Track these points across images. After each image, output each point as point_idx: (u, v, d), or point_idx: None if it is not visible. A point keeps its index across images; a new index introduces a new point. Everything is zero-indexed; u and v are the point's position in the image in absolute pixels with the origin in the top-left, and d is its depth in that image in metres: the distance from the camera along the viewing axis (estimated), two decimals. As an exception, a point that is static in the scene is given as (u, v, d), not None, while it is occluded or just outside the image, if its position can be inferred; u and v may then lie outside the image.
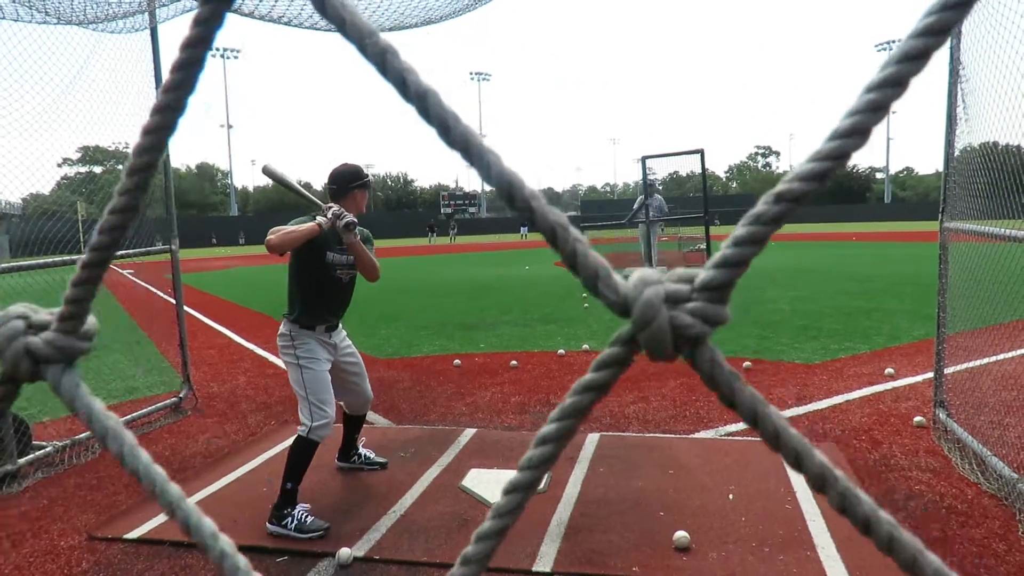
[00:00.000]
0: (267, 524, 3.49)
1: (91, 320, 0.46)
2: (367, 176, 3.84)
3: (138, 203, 0.42)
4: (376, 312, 11.29)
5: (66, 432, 5.11)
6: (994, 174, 3.81)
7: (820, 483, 0.36)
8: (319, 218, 3.58)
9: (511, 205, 0.37)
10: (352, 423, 4.26)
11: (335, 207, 3.58)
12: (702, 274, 0.37)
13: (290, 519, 3.47)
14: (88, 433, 4.99)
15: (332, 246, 3.71)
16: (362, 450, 4.38)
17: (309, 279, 3.71)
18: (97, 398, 0.45)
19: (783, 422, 0.36)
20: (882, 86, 0.34)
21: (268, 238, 3.51)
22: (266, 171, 3.80)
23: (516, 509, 0.41)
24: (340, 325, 3.94)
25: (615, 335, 0.38)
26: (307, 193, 3.75)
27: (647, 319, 0.36)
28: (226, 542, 0.41)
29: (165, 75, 0.40)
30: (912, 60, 0.34)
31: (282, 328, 3.78)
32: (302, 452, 3.61)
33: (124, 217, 0.42)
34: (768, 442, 0.37)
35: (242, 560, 0.41)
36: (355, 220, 3.59)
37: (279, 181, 3.82)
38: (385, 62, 0.36)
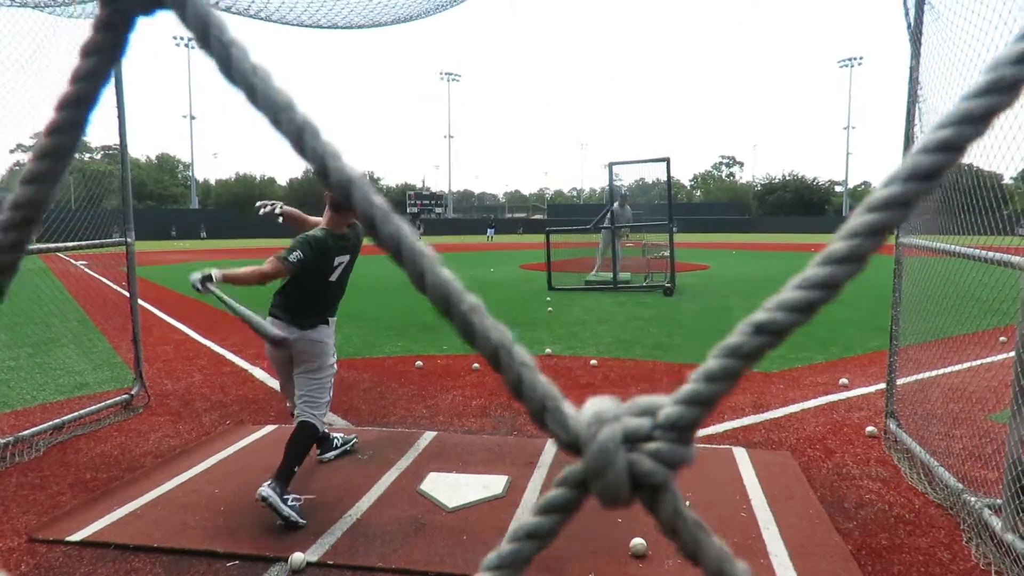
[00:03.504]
0: (266, 489, 3.44)
1: None
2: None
3: (26, 238, 0.35)
4: (338, 311, 11.14)
5: (9, 429, 4.92)
6: (946, 192, 3.93)
7: None
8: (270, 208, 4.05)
9: (448, 316, 0.33)
10: None
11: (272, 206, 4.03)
12: (667, 410, 0.32)
13: (292, 498, 3.56)
14: (33, 430, 4.84)
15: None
16: (333, 435, 4.57)
17: (326, 282, 3.86)
18: None
19: None
20: (883, 208, 0.29)
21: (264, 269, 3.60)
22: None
23: None
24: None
25: (563, 474, 0.33)
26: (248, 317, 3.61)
27: (601, 466, 0.31)
28: None
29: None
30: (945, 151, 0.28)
31: (328, 329, 3.93)
32: (312, 439, 3.82)
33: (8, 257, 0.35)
34: None
35: None
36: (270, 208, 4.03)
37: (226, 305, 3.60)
38: (303, 141, 0.32)
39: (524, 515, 0.35)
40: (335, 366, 4.02)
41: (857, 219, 0.29)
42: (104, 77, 0.33)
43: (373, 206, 0.32)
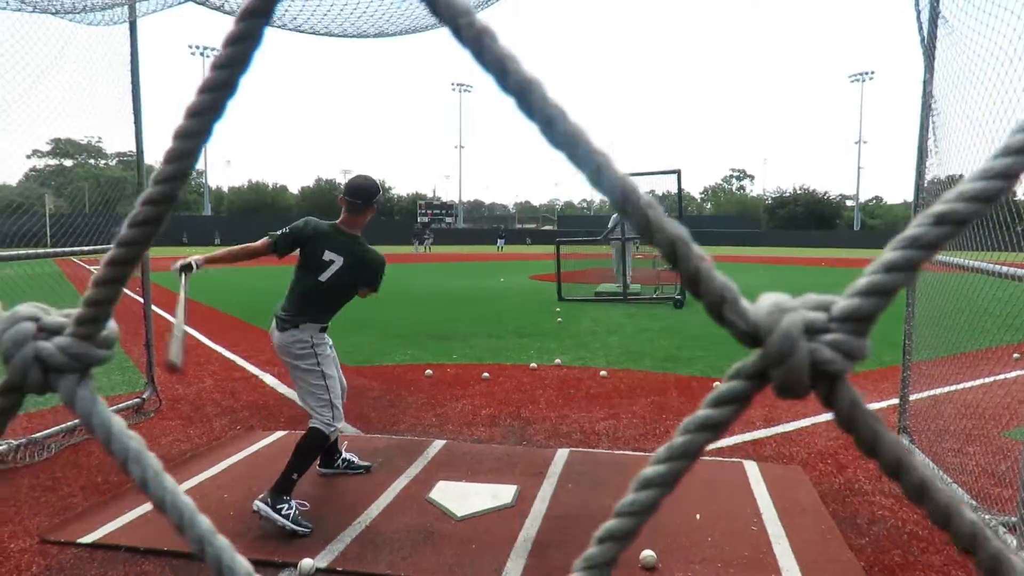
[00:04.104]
0: (258, 503, 3.44)
1: (111, 325, 0.41)
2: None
3: (174, 194, 0.38)
4: (348, 318, 11.17)
5: (21, 431, 4.96)
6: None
7: (970, 542, 0.32)
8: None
9: (623, 212, 0.33)
10: None
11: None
12: (843, 302, 0.33)
13: (287, 507, 3.45)
14: (45, 432, 4.87)
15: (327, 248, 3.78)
16: (346, 454, 4.38)
17: (315, 281, 3.75)
18: (116, 415, 0.40)
19: (929, 474, 0.33)
20: None
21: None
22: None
23: (608, 563, 0.36)
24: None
25: (738, 367, 0.34)
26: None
27: (784, 352, 0.32)
28: None
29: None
30: None
31: (299, 334, 3.72)
32: (318, 445, 3.71)
33: (158, 209, 0.38)
34: (910, 497, 0.33)
35: None
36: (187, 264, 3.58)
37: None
38: (482, 47, 0.32)
39: (700, 410, 0.35)
40: (331, 374, 3.81)
41: None
42: (231, 88, 0.35)
43: (549, 105, 0.33)
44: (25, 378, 0.39)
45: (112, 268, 0.39)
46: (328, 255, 3.69)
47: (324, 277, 3.70)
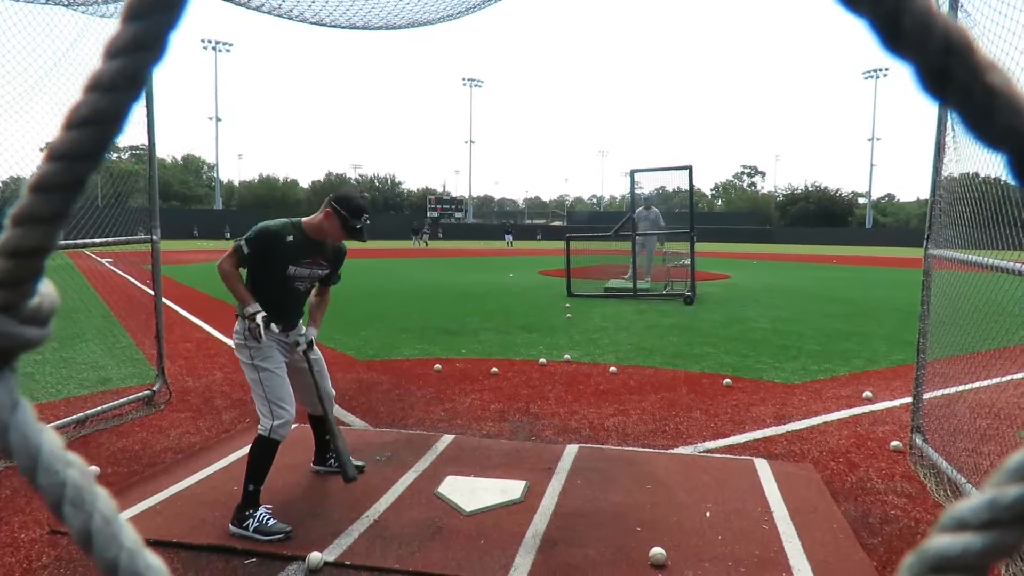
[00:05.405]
0: (229, 525, 3.43)
1: (45, 290, 0.26)
2: (355, 215, 3.64)
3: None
4: (358, 313, 11.19)
5: (33, 421, 4.98)
6: (976, 204, 3.85)
7: None
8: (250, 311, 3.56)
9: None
10: (319, 423, 4.19)
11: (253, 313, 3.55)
12: None
13: (251, 520, 3.39)
14: (56, 423, 4.89)
15: (297, 260, 3.65)
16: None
17: (266, 285, 3.64)
18: (47, 426, 0.25)
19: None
20: None
21: (222, 264, 3.57)
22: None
23: None
24: (299, 322, 3.87)
25: None
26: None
27: None
28: None
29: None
30: None
31: (237, 326, 3.66)
32: (263, 452, 3.55)
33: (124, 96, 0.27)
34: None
35: None
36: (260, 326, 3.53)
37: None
38: None
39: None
40: (265, 371, 3.58)
41: None
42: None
43: None
44: None
45: (42, 197, 0.24)
46: (292, 268, 3.74)
47: (290, 284, 3.76)
